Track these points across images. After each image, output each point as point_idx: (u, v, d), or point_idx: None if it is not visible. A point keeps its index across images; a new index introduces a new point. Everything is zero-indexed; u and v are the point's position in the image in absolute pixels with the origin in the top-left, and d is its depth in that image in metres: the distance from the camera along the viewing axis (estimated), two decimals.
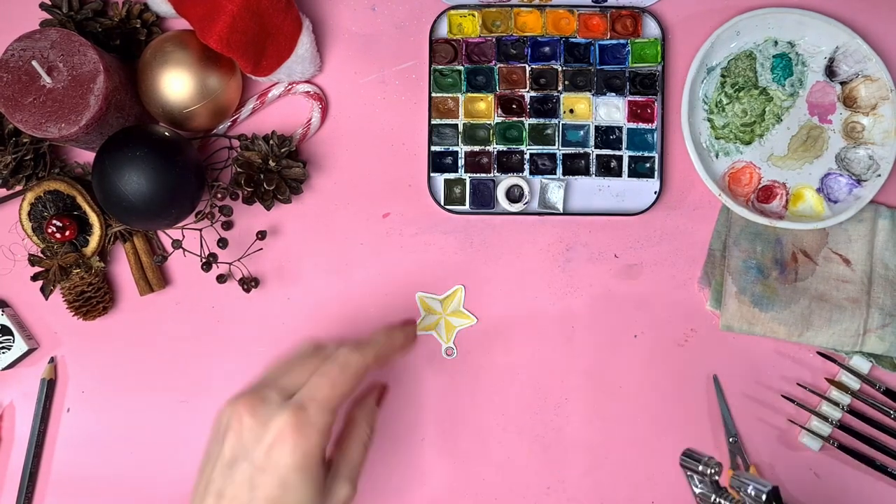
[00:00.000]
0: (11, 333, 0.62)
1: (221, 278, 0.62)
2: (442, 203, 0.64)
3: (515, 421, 0.64)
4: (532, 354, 0.64)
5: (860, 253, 0.63)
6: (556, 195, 0.64)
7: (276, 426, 0.45)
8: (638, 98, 0.64)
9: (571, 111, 0.64)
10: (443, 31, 0.64)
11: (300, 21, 0.61)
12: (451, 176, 0.64)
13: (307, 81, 0.64)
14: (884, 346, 0.62)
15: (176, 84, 0.59)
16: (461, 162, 0.64)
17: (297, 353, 0.51)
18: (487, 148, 0.64)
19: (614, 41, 0.64)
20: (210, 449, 0.49)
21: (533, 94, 0.64)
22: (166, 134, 0.58)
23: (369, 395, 0.55)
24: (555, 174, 0.64)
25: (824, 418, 0.62)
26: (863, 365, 0.63)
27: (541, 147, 0.64)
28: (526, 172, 0.64)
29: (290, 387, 0.47)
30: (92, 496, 0.63)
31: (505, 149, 0.64)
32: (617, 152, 0.64)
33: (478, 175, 0.64)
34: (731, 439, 0.62)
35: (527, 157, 0.64)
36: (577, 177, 0.64)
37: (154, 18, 0.63)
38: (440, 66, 0.64)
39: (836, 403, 0.62)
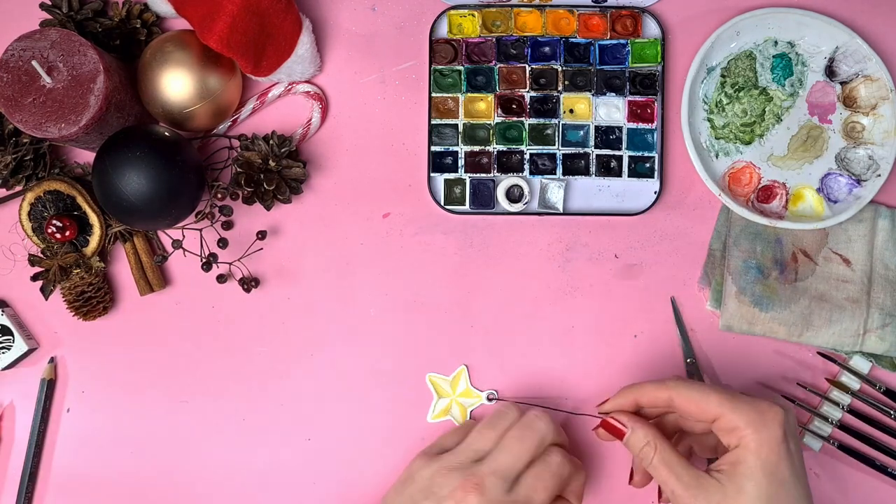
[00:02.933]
0: (11, 333, 0.62)
1: (221, 278, 0.62)
2: (442, 203, 0.64)
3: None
4: (531, 355, 0.64)
5: (860, 253, 0.63)
6: (556, 195, 0.64)
7: (459, 493, 0.50)
8: (638, 98, 0.64)
9: (571, 111, 0.64)
10: (443, 31, 0.64)
11: (300, 21, 0.61)
12: (451, 176, 0.64)
13: (307, 81, 0.65)
14: (884, 346, 0.62)
15: (176, 84, 0.59)
16: (461, 162, 0.64)
17: (523, 424, 0.54)
18: (487, 148, 0.64)
19: (614, 41, 0.64)
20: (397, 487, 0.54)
21: (533, 94, 0.64)
22: (166, 134, 0.58)
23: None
24: (555, 174, 0.64)
25: (824, 418, 0.62)
26: (863, 365, 0.63)
27: (541, 147, 0.64)
28: (526, 172, 0.64)
29: (510, 473, 0.51)
30: (92, 496, 0.63)
31: (505, 149, 0.64)
32: (617, 152, 0.64)
33: (478, 175, 0.64)
34: (688, 360, 0.63)
35: (527, 157, 0.64)
36: (577, 177, 0.64)
37: (154, 18, 0.63)
38: (440, 66, 0.64)
39: (836, 403, 0.62)
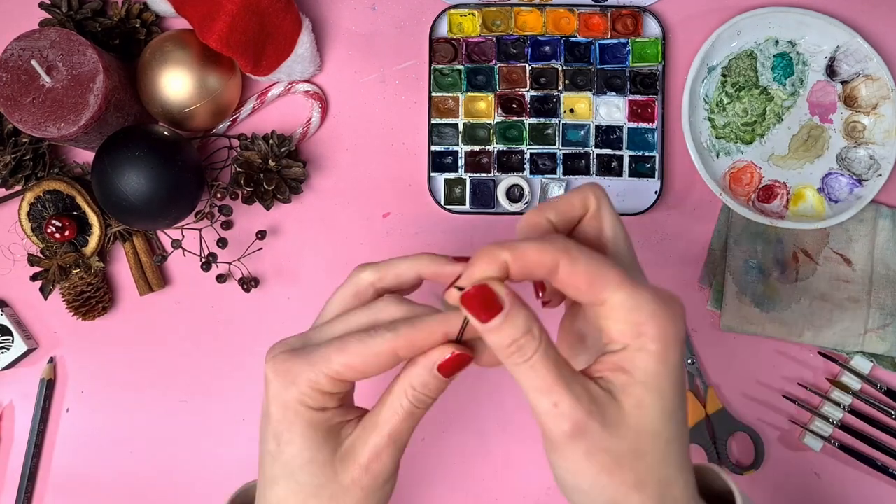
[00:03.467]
0: (11, 333, 0.62)
1: (221, 278, 0.62)
2: (442, 203, 0.64)
3: (514, 420, 0.63)
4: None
5: (861, 253, 0.63)
6: (556, 195, 0.64)
7: (266, 369, 0.39)
8: (638, 97, 0.64)
9: (572, 111, 0.64)
10: (443, 30, 0.64)
11: (300, 20, 0.61)
12: (452, 176, 0.64)
13: (307, 81, 0.64)
14: (885, 345, 0.62)
15: (176, 84, 0.59)
16: (461, 162, 0.64)
17: (367, 304, 0.41)
18: (488, 147, 0.64)
19: (615, 40, 0.64)
20: None
21: (533, 93, 0.64)
22: (166, 134, 0.58)
23: (429, 354, 0.39)
24: (555, 174, 0.64)
25: (825, 418, 0.62)
26: (864, 365, 0.63)
27: (541, 147, 0.64)
28: (526, 172, 0.64)
29: (317, 338, 0.40)
30: (91, 496, 0.63)
31: (505, 148, 0.64)
32: (617, 152, 0.64)
33: (478, 175, 0.64)
34: (688, 360, 0.63)
35: (527, 156, 0.64)
36: (577, 176, 0.64)
37: (154, 18, 0.63)
38: (440, 66, 0.64)
39: (837, 403, 0.62)
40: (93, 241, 0.62)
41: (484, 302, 0.35)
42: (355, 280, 0.42)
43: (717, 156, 0.64)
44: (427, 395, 0.39)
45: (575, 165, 0.64)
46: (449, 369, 0.39)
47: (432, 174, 0.64)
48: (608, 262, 0.36)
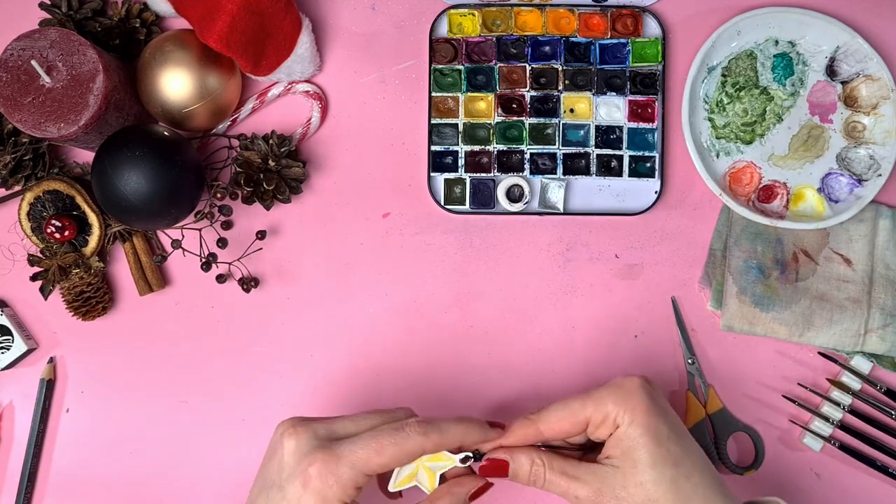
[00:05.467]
0: (10, 333, 0.62)
1: (221, 278, 0.62)
2: (442, 203, 0.64)
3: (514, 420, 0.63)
4: (532, 355, 0.64)
5: (861, 253, 0.63)
6: (556, 195, 0.64)
7: (306, 463, 0.45)
8: (638, 97, 0.64)
9: (572, 111, 0.64)
10: (443, 30, 0.64)
11: (300, 20, 0.61)
12: (452, 176, 0.64)
13: (307, 81, 0.64)
14: (885, 346, 0.62)
15: (175, 84, 0.59)
16: (461, 162, 0.64)
17: (378, 409, 0.51)
18: (487, 147, 0.64)
19: (615, 40, 0.64)
20: (263, 462, 0.49)
21: (533, 93, 0.64)
22: (166, 134, 0.58)
23: (463, 482, 0.50)
24: (555, 174, 0.64)
25: (825, 418, 0.62)
26: (864, 365, 0.63)
27: (541, 147, 0.64)
28: (526, 172, 0.64)
29: (342, 433, 0.48)
30: (91, 496, 0.63)
31: (505, 148, 0.64)
32: (617, 152, 0.64)
33: (478, 175, 0.64)
34: (689, 360, 0.63)
35: (527, 156, 0.64)
36: (577, 176, 0.64)
37: (153, 18, 0.63)
38: (440, 66, 0.64)
39: (837, 403, 0.62)
40: (93, 241, 0.62)
41: (494, 466, 0.50)
42: (395, 412, 0.50)
43: (717, 156, 0.64)
44: None
45: (575, 165, 0.64)
46: (478, 496, 0.50)
47: (432, 174, 0.64)
48: (567, 400, 0.50)
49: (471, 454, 0.50)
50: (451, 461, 0.49)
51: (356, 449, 0.46)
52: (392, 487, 0.49)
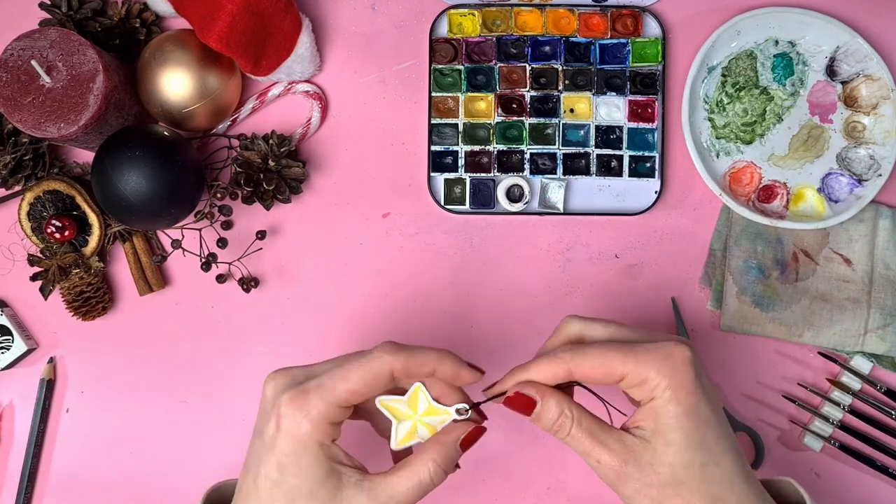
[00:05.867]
0: (10, 333, 0.62)
1: (221, 278, 0.62)
2: (442, 203, 0.64)
3: (515, 420, 0.63)
4: (532, 355, 0.64)
5: (861, 253, 0.63)
6: (556, 195, 0.64)
7: (278, 404, 0.43)
8: (638, 97, 0.64)
9: (572, 111, 0.64)
10: (443, 30, 0.64)
11: (300, 20, 0.61)
12: (451, 176, 0.64)
13: (307, 81, 0.64)
14: (885, 346, 0.62)
15: (175, 84, 0.59)
16: (461, 162, 0.64)
17: (374, 369, 0.46)
18: (487, 147, 0.64)
19: (615, 40, 0.64)
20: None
21: (533, 93, 0.64)
22: (166, 134, 0.58)
23: (452, 428, 0.47)
24: (555, 174, 0.64)
25: (825, 418, 0.62)
26: (864, 365, 0.63)
27: (541, 147, 0.64)
28: (526, 172, 0.64)
29: (320, 372, 0.45)
30: (91, 496, 0.63)
31: (505, 148, 0.64)
32: (617, 152, 0.64)
33: (478, 175, 0.64)
34: None
35: (527, 156, 0.64)
36: (577, 176, 0.64)
37: (153, 18, 0.63)
38: (440, 66, 0.64)
39: (837, 403, 0.62)
40: (93, 241, 0.62)
41: (520, 402, 0.47)
42: (379, 364, 0.45)
43: (717, 156, 0.64)
44: (446, 469, 0.45)
45: (575, 165, 0.64)
46: (470, 442, 0.47)
47: (432, 174, 0.64)
48: (608, 348, 0.45)
49: (466, 406, 0.47)
50: (448, 414, 0.47)
51: (323, 380, 0.43)
52: (394, 446, 0.48)
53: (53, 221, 0.60)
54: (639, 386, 0.45)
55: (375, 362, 0.44)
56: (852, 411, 0.62)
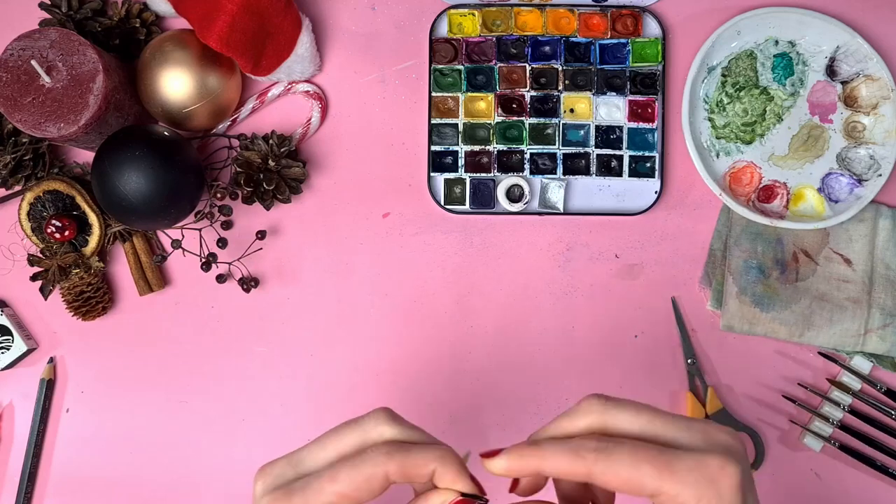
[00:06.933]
0: (10, 333, 0.62)
1: (221, 278, 0.62)
2: (442, 203, 0.64)
3: (515, 421, 0.63)
4: (532, 354, 0.64)
5: (861, 253, 0.63)
6: (556, 195, 0.64)
7: None
8: (638, 98, 0.64)
9: (572, 111, 0.64)
10: (443, 30, 0.64)
11: (300, 20, 0.61)
12: (451, 176, 0.64)
13: (307, 81, 0.64)
14: (885, 346, 0.62)
15: (175, 84, 0.59)
16: (461, 162, 0.64)
17: (357, 422, 0.41)
18: (487, 147, 0.64)
19: (615, 41, 0.64)
20: None
21: (533, 93, 0.64)
22: (166, 134, 0.58)
23: (431, 497, 0.41)
24: (555, 174, 0.64)
25: (825, 418, 0.62)
26: (864, 365, 0.63)
27: (541, 147, 0.64)
28: (526, 172, 0.64)
29: (310, 464, 0.40)
30: (92, 496, 0.63)
31: (505, 148, 0.64)
32: (617, 152, 0.64)
33: (478, 175, 0.64)
34: (689, 360, 0.63)
35: (527, 156, 0.64)
36: (577, 176, 0.64)
37: (153, 18, 0.63)
38: (440, 66, 0.64)
39: (836, 404, 0.62)
40: (93, 241, 0.62)
41: None
42: (367, 431, 0.40)
43: (717, 156, 0.64)
44: None
45: (575, 165, 0.64)
46: None
47: (432, 174, 0.64)
48: (641, 457, 0.37)
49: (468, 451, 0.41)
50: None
51: (311, 482, 0.39)
52: None
53: (53, 221, 0.60)
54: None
55: (367, 465, 0.38)
56: (852, 411, 0.62)
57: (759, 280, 0.63)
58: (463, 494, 0.39)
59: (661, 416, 0.39)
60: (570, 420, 0.40)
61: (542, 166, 0.64)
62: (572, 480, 0.38)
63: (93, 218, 0.62)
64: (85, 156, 0.64)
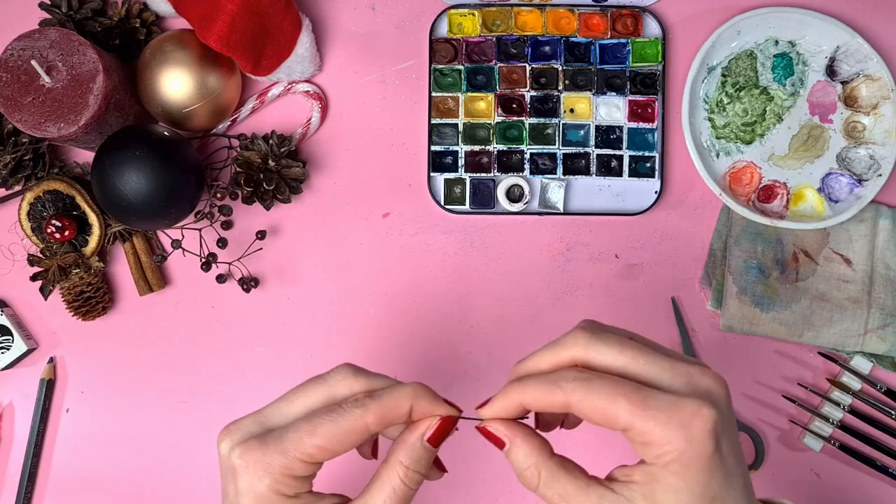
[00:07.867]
0: (10, 333, 0.62)
1: (221, 278, 0.62)
2: (442, 203, 0.64)
3: None
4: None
5: (861, 253, 0.63)
6: (556, 195, 0.64)
7: (233, 460, 0.39)
8: (638, 97, 0.64)
9: (572, 111, 0.64)
10: (443, 30, 0.64)
11: (300, 20, 0.61)
12: (451, 176, 0.64)
13: (307, 81, 0.64)
14: (885, 346, 0.62)
15: (175, 83, 0.59)
16: (461, 162, 0.64)
17: (322, 378, 0.42)
18: (487, 147, 0.64)
19: (615, 40, 0.64)
20: None
21: (533, 93, 0.64)
22: (166, 134, 0.58)
23: (417, 426, 0.41)
24: (555, 174, 0.64)
25: (825, 418, 0.62)
26: (864, 365, 0.63)
27: (541, 147, 0.64)
28: (526, 172, 0.64)
29: (276, 420, 0.41)
30: (91, 496, 0.63)
31: (505, 148, 0.64)
32: (617, 152, 0.64)
33: (478, 175, 0.64)
34: None
35: (527, 156, 0.64)
36: (577, 176, 0.64)
37: (153, 18, 0.63)
38: (440, 66, 0.64)
39: (836, 403, 0.62)
40: (93, 241, 0.62)
41: (491, 437, 0.41)
42: (333, 386, 0.41)
43: (717, 156, 0.64)
44: (418, 470, 0.41)
45: (575, 165, 0.64)
46: (438, 437, 0.41)
47: (432, 174, 0.64)
48: (618, 391, 0.37)
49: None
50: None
51: (286, 433, 0.39)
52: None
53: (53, 221, 0.60)
54: (643, 444, 0.37)
55: (347, 418, 0.39)
56: (852, 411, 0.62)
57: (759, 280, 0.63)
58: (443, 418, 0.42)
59: (646, 355, 0.38)
60: (555, 352, 0.40)
61: (542, 166, 0.64)
62: (553, 411, 0.39)
63: (93, 218, 0.62)
64: (85, 156, 0.64)
